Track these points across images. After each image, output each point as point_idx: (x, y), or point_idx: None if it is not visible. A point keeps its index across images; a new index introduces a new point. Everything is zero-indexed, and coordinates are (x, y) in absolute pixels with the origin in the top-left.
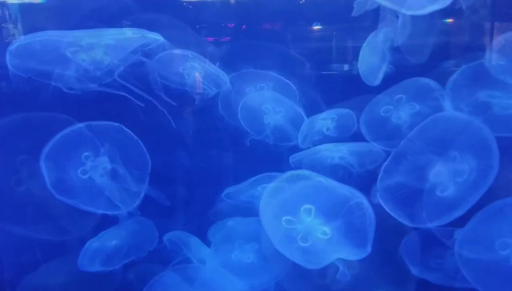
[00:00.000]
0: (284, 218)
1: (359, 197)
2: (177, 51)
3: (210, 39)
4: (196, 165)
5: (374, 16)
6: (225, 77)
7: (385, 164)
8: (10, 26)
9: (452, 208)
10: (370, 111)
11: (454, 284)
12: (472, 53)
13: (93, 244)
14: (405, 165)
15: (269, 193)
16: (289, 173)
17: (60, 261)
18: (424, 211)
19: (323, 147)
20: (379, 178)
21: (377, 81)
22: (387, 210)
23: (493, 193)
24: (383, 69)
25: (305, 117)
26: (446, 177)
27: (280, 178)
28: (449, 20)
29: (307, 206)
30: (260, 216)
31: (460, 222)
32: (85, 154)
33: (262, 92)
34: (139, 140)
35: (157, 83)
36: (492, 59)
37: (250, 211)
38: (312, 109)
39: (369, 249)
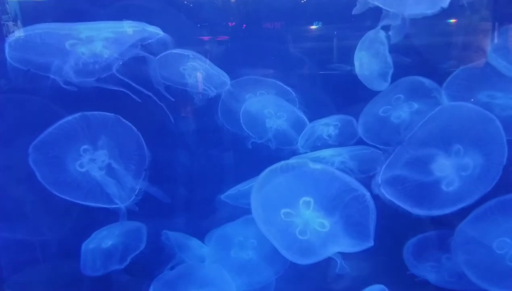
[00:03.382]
0: (282, 210)
1: (360, 189)
2: (177, 51)
3: (211, 38)
4: (196, 166)
5: (377, 15)
6: (225, 78)
7: (390, 157)
8: (10, 23)
9: (456, 202)
10: (368, 112)
11: (451, 287)
12: (472, 53)
13: (89, 245)
14: (410, 158)
15: (261, 184)
16: (283, 162)
17: (60, 261)
18: (427, 205)
19: (323, 151)
20: (382, 170)
21: (383, 85)
22: (389, 202)
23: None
24: (390, 73)
25: (307, 121)
26: (452, 170)
27: (273, 168)
28: (449, 20)
29: (306, 198)
30: (252, 209)
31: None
32: (84, 147)
33: (264, 97)
34: (138, 132)
35: (157, 77)
36: (496, 55)
37: (249, 213)
38: (313, 110)
39: (371, 241)
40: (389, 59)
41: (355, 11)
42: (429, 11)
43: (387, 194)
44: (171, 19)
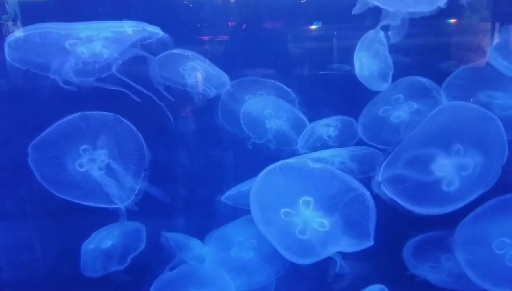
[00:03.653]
0: (282, 210)
1: (360, 189)
2: (177, 51)
3: (211, 38)
4: (196, 166)
5: (376, 15)
6: (225, 78)
7: (389, 156)
8: (10, 23)
9: (456, 202)
10: (368, 112)
11: (451, 287)
12: (472, 53)
13: (89, 246)
14: (410, 158)
15: (260, 184)
16: (282, 162)
17: (60, 261)
18: (427, 205)
19: (323, 151)
20: (381, 169)
21: (383, 86)
22: (389, 201)
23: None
24: (390, 73)
25: (307, 122)
26: (452, 170)
27: (272, 168)
28: (449, 20)
29: (306, 197)
30: (251, 209)
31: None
32: (83, 146)
33: (264, 97)
34: (138, 132)
35: (157, 77)
36: (496, 55)
37: (249, 213)
38: (313, 111)
39: (371, 241)
40: (389, 59)
41: (355, 11)
42: (427, 10)
43: (388, 192)
44: (171, 19)
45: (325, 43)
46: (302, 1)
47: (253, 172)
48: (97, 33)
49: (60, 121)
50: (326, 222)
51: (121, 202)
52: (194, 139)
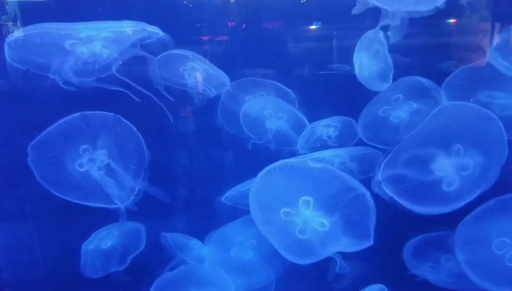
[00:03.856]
0: (281, 210)
1: (360, 188)
2: (177, 51)
3: (210, 38)
4: (196, 167)
5: (376, 15)
6: (225, 78)
7: (389, 156)
8: (10, 23)
9: (457, 202)
10: (368, 112)
11: (451, 287)
12: (472, 53)
13: (88, 246)
14: (410, 157)
15: (260, 184)
16: (281, 161)
17: (60, 261)
18: (427, 205)
19: (323, 152)
20: (381, 168)
21: (383, 86)
22: (389, 200)
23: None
24: (390, 73)
25: (307, 122)
26: (452, 170)
27: (271, 167)
28: (449, 20)
29: (306, 197)
30: (250, 209)
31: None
32: (83, 146)
33: (264, 98)
34: (138, 132)
35: (157, 77)
36: (497, 55)
37: (249, 213)
38: (313, 110)
39: (371, 241)
40: (389, 59)
41: (354, 11)
42: (427, 9)
43: (388, 191)
44: (171, 19)
45: (325, 43)
46: (302, 1)
47: (253, 172)
48: (97, 33)
49: (60, 121)
50: (326, 221)
51: (121, 202)
52: (194, 140)
